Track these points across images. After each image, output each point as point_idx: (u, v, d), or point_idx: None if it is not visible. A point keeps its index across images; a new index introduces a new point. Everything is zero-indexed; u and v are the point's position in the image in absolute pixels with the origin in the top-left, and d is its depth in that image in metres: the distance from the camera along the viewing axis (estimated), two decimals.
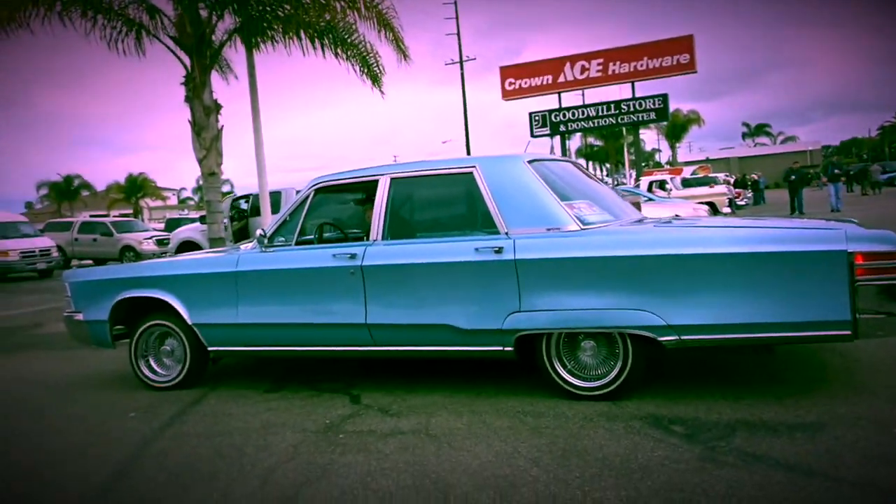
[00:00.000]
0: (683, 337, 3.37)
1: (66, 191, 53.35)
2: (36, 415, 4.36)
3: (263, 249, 4.38)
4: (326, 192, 4.48)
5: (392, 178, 4.17)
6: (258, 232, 4.47)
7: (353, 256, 4.05)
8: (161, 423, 3.92)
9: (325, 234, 4.66)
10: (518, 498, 2.56)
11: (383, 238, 4.07)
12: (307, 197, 4.36)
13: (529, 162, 3.94)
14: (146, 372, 4.75)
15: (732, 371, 4.04)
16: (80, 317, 4.89)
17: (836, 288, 3.10)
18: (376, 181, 4.21)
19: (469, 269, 3.76)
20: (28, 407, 4.59)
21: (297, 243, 4.34)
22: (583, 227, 3.64)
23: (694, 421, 3.21)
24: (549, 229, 3.65)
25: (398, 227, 4.15)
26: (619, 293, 3.45)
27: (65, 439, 3.79)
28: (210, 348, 4.54)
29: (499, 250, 3.69)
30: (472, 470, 2.87)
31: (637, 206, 10.65)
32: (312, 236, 4.49)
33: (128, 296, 4.69)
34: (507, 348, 3.73)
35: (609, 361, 3.62)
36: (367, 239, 4.14)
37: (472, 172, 3.93)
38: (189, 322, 4.49)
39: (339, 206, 5.17)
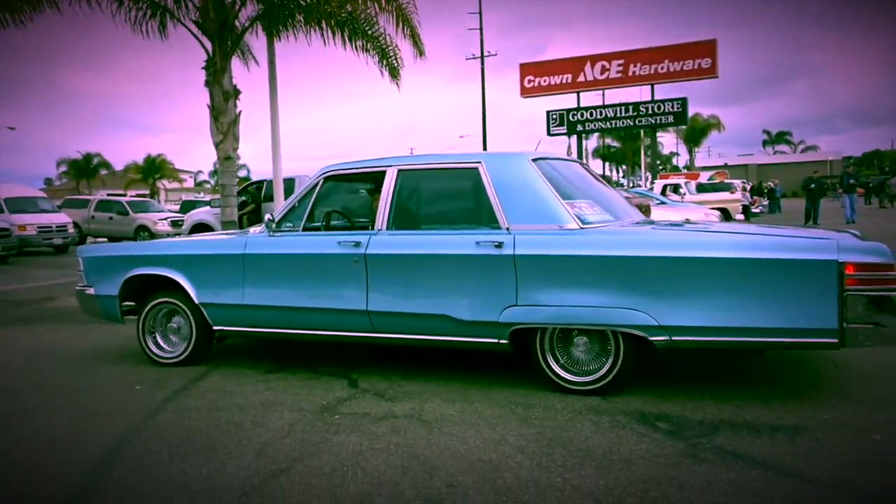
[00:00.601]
0: (674, 338, 3.44)
1: (86, 169, 53.99)
2: (45, 383, 4.50)
3: (271, 234, 4.50)
4: (335, 180, 4.58)
5: (399, 170, 4.26)
6: (267, 216, 4.59)
7: (357, 244, 4.15)
8: (164, 397, 4.05)
9: (332, 222, 4.77)
10: (501, 482, 2.65)
11: (388, 228, 4.17)
12: (316, 184, 4.46)
13: (534, 160, 4.01)
14: (153, 348, 4.89)
15: (724, 373, 4.09)
16: (91, 291, 5.04)
17: (825, 296, 3.16)
18: (384, 172, 4.30)
19: (469, 261, 3.84)
20: (38, 375, 4.73)
21: (305, 229, 4.44)
22: (582, 225, 3.71)
23: (679, 419, 3.28)
24: (549, 227, 3.73)
25: (403, 218, 4.24)
26: (613, 292, 3.52)
27: (72, 407, 3.93)
28: (215, 327, 4.67)
29: (499, 245, 3.77)
30: (459, 454, 2.96)
31: (647, 208, 10.72)
32: (320, 223, 4.59)
33: (138, 273, 4.82)
34: (502, 341, 3.82)
35: (601, 358, 3.69)
36: (372, 228, 4.24)
37: (477, 168, 4.01)
38: (196, 301, 4.62)
39: (347, 194, 5.28)
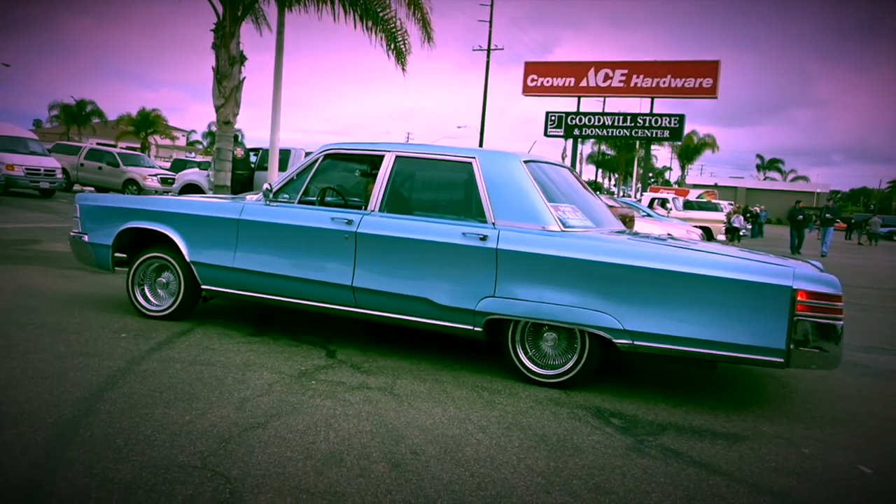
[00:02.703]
0: (636, 342, 3.69)
1: (78, 115, 53.29)
2: (33, 322, 4.66)
3: (268, 203, 4.67)
4: (334, 158, 4.76)
5: (397, 156, 4.45)
6: (265, 186, 4.75)
7: (349, 222, 4.34)
8: (149, 347, 4.23)
9: (327, 198, 4.95)
10: (460, 455, 2.89)
11: (380, 209, 4.36)
12: (316, 160, 4.64)
13: (526, 162, 4.23)
14: (140, 300, 5.05)
15: (680, 381, 4.35)
16: (85, 238, 5.18)
17: (776, 319, 3.42)
18: (382, 156, 4.50)
19: (454, 250, 4.05)
20: (25, 314, 4.88)
21: (300, 202, 4.62)
22: (563, 228, 3.94)
23: (632, 417, 3.54)
24: (532, 226, 3.95)
25: (395, 202, 4.43)
26: (584, 294, 3.75)
27: (60, 346, 4.10)
28: (204, 286, 4.84)
29: (483, 238, 3.98)
30: (425, 427, 3.19)
31: (632, 219, 11.01)
32: (315, 198, 4.77)
33: (134, 226, 4.98)
34: (476, 328, 4.04)
35: (567, 354, 3.93)
36: (366, 208, 4.43)
37: (471, 163, 4.22)
38: (188, 259, 4.79)
39: (344, 173, 5.45)
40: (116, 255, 5.15)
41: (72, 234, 5.34)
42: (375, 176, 4.51)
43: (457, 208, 4.51)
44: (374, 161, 4.65)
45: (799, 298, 3.38)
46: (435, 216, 4.37)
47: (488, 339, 4.11)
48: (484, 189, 4.11)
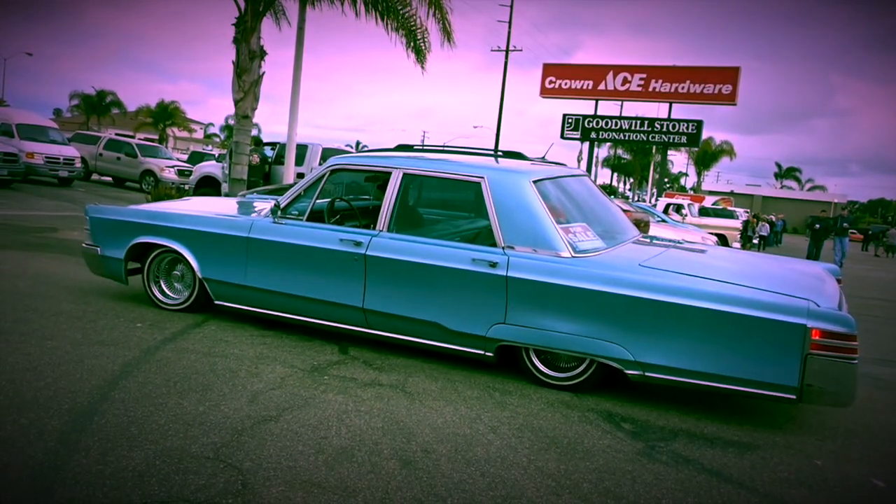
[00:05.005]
0: (647, 374, 3.65)
1: (98, 105, 53.78)
2: (51, 309, 4.72)
3: (276, 220, 4.59)
4: (341, 173, 4.69)
5: (404, 174, 4.35)
6: (272, 203, 4.71)
7: (358, 244, 4.26)
8: (164, 337, 4.27)
9: (336, 212, 4.86)
10: (471, 455, 2.89)
11: (389, 230, 4.28)
12: (323, 175, 4.57)
13: (535, 181, 4.10)
14: (157, 294, 5.07)
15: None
16: (97, 251, 5.16)
17: (789, 356, 3.37)
18: (389, 173, 4.40)
19: (464, 276, 3.99)
20: (43, 301, 4.95)
21: (308, 218, 4.54)
22: (574, 254, 3.86)
23: (644, 422, 3.52)
24: (543, 252, 3.87)
25: (404, 222, 4.35)
26: (597, 324, 3.70)
27: (76, 334, 4.15)
28: (216, 301, 4.83)
29: (493, 265, 3.91)
30: (436, 425, 3.20)
31: (647, 224, 10.95)
32: (323, 213, 4.68)
33: (144, 241, 4.95)
34: (487, 353, 4.01)
35: (579, 358, 3.90)
36: (374, 228, 4.35)
37: (480, 183, 4.12)
38: (199, 276, 4.78)
39: (352, 188, 5.40)
40: (129, 266, 5.10)
41: (84, 245, 5.31)
42: (383, 192, 4.40)
43: (466, 230, 4.40)
44: (382, 177, 4.53)
45: (813, 337, 3.32)
46: (444, 238, 4.26)
47: (499, 360, 4.06)
48: (493, 211, 4.02)
